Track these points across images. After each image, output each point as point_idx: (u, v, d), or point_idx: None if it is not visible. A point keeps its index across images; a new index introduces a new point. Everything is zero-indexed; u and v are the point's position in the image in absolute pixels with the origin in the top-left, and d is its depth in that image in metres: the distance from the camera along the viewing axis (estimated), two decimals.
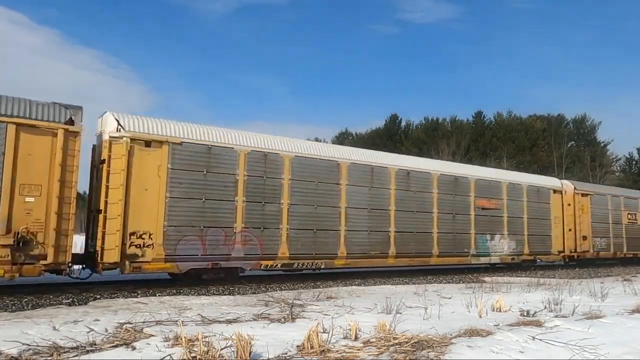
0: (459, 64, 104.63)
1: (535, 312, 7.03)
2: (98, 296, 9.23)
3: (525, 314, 6.95)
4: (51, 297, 8.95)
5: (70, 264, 9.30)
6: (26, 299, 8.56)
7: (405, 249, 14.06)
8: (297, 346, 4.63)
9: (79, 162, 9.28)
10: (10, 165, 8.55)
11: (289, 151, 12.25)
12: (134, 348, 4.56)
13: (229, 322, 5.99)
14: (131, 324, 5.69)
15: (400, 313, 6.59)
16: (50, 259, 8.77)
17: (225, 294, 10.04)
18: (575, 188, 20.01)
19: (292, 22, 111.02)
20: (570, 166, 48.04)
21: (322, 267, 12.51)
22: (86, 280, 10.95)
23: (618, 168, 54.80)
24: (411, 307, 7.43)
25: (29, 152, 8.75)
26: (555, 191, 19.24)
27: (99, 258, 9.53)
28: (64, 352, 4.37)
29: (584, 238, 19.87)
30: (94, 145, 10.83)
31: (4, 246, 8.39)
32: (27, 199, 8.67)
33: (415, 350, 4.50)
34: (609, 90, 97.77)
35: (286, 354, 4.38)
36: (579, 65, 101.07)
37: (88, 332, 5.26)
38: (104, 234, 9.57)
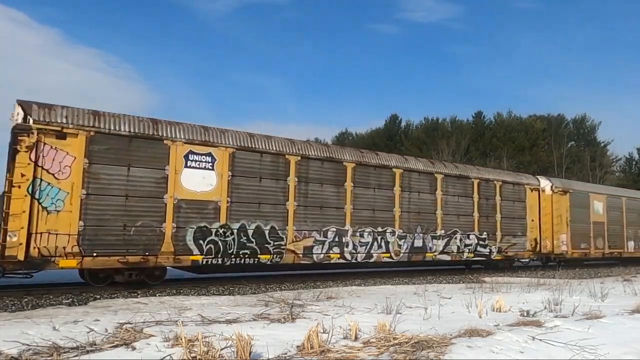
0: (459, 64, 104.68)
1: (535, 312, 7.03)
2: (98, 296, 9.24)
3: (525, 314, 6.94)
4: (51, 297, 8.96)
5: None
6: (26, 299, 8.58)
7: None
8: (297, 346, 4.63)
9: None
10: None
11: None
12: (134, 348, 4.56)
13: (229, 322, 5.99)
14: (131, 324, 5.68)
15: (400, 313, 6.59)
16: None
17: (225, 294, 10.05)
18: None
19: (293, 21, 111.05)
20: (570, 166, 48.06)
21: None
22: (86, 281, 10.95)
23: (618, 168, 54.82)
24: (411, 307, 7.43)
25: None
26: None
27: None
28: (64, 352, 4.36)
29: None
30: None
31: None
32: None
33: (415, 351, 4.50)
34: (609, 90, 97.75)
35: (286, 354, 4.38)
36: (579, 65, 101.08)
37: (88, 332, 5.26)
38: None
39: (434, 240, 15.01)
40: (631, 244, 22.98)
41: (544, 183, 19.42)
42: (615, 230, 22.05)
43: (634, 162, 54.07)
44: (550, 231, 18.98)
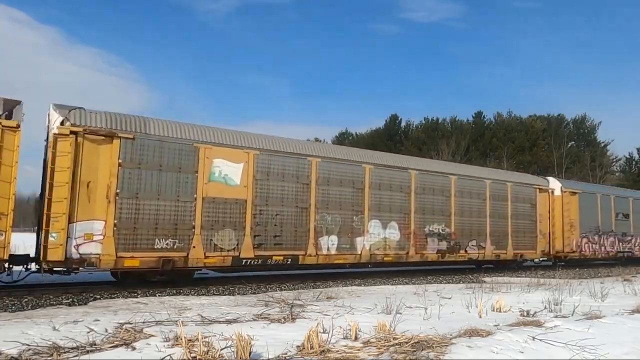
0: (459, 63, 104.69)
1: (535, 312, 7.03)
2: (98, 296, 9.24)
3: (525, 314, 6.94)
4: (51, 297, 8.96)
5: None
6: (26, 299, 8.57)
7: None
8: (297, 346, 4.63)
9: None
10: None
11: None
12: (134, 348, 4.56)
13: (229, 322, 5.99)
14: (131, 324, 5.69)
15: (400, 313, 6.59)
16: None
17: (225, 294, 10.05)
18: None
19: (293, 21, 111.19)
20: (570, 166, 48.04)
21: None
22: (86, 281, 10.97)
23: (618, 168, 54.80)
24: (411, 307, 7.43)
25: None
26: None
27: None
28: (64, 352, 4.37)
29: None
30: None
31: None
32: None
33: (415, 351, 4.50)
34: (609, 90, 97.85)
35: (286, 354, 4.38)
36: (579, 65, 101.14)
37: (88, 332, 5.26)
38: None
39: None
40: (330, 240, 12.62)
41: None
42: (278, 216, 11.85)
43: (634, 162, 54.02)
44: (47, 216, 9.05)
